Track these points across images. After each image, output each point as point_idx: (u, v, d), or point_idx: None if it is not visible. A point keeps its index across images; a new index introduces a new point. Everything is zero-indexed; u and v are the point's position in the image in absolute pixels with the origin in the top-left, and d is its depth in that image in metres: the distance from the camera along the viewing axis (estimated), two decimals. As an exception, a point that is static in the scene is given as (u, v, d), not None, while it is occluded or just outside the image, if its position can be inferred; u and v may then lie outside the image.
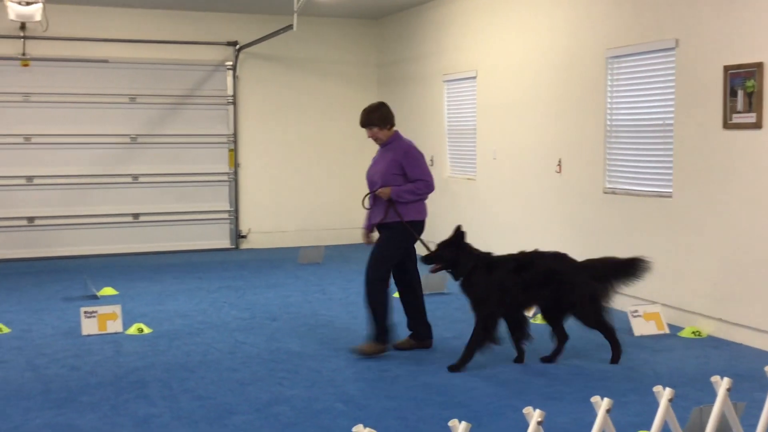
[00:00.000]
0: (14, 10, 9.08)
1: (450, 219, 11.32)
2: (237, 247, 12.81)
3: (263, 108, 12.85)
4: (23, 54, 11.37)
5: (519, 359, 6.24)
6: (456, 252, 6.22)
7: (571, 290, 6.07)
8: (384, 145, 6.63)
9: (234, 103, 12.64)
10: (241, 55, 12.54)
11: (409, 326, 6.71)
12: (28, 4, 8.96)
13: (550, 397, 5.38)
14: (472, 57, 10.63)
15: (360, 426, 3.03)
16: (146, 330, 7.27)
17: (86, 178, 11.89)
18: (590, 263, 6.28)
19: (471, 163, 10.85)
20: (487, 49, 10.32)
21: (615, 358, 6.15)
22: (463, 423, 2.95)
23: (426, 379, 5.82)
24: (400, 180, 6.45)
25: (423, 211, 6.62)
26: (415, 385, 5.69)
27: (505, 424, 4.87)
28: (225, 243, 12.77)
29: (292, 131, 13.04)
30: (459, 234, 6.30)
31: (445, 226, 11.39)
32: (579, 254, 8.51)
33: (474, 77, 10.59)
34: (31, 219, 11.68)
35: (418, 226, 6.58)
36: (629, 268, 6.15)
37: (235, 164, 12.73)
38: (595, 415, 3.41)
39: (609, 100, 8.23)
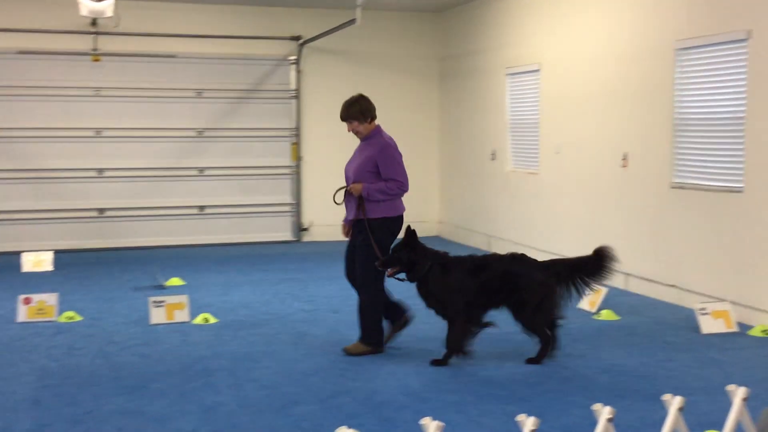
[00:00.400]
0: (87, 7, 9.32)
1: (511, 214, 11.30)
2: (299, 240, 12.95)
3: (326, 102, 12.92)
4: (94, 49, 11.69)
5: (439, 362, 6.09)
6: (411, 253, 6.03)
7: (524, 291, 5.95)
8: (364, 139, 6.43)
9: (297, 97, 12.77)
10: (304, 50, 12.66)
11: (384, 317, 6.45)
12: (100, 0, 9.18)
13: (616, 395, 5.31)
14: (536, 50, 10.52)
15: (428, 419, 3.04)
16: (212, 320, 7.42)
17: (154, 170, 12.18)
18: (551, 263, 6.15)
19: (533, 157, 10.75)
20: (551, 41, 10.20)
21: (536, 360, 6.00)
22: (532, 418, 2.94)
23: (487, 373, 5.81)
24: (373, 177, 6.22)
25: (397, 207, 6.34)
26: (476, 379, 5.68)
27: (569, 421, 4.83)
28: (287, 235, 12.93)
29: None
30: (410, 234, 6.10)
31: (507, 221, 11.38)
32: (645, 250, 8.44)
33: (537, 70, 10.49)
34: (101, 210, 12.01)
35: (392, 222, 6.29)
36: (593, 265, 6.03)
37: (298, 158, 12.86)
38: (662, 414, 3.36)
39: (677, 93, 8.05)
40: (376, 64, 13.11)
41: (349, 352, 6.28)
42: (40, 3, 11.45)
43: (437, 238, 13.12)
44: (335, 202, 6.47)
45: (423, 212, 13.47)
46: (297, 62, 12.68)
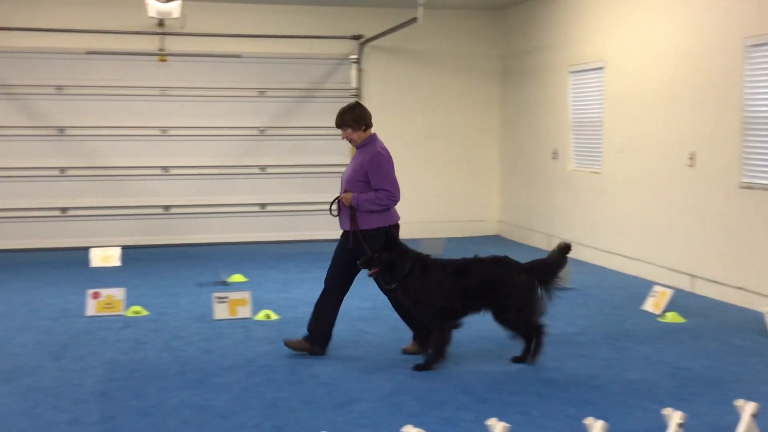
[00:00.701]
0: (154, 8, 9.53)
1: (572, 214, 11.16)
2: (359, 238, 12.98)
3: (386, 100, 12.97)
4: (161, 50, 11.94)
5: (422, 366, 5.97)
6: (392, 254, 5.91)
7: (507, 295, 5.87)
8: (358, 147, 6.28)
9: (358, 96, 12.82)
10: (365, 49, 12.71)
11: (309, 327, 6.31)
12: (167, 1, 9.37)
13: (682, 399, 5.20)
14: (600, 47, 10.36)
15: (494, 419, 3.02)
16: (273, 316, 7.51)
17: (217, 168, 12.38)
18: (533, 266, 6.04)
19: (596, 156, 10.59)
20: (615, 38, 10.04)
21: (518, 360, 6.00)
22: (600, 421, 2.89)
23: (549, 375, 5.75)
24: (363, 187, 6.09)
25: (391, 217, 6.19)
26: (538, 380, 5.63)
27: (634, 425, 4.75)
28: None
29: (414, 123, 13.12)
30: (390, 236, 5.98)
31: (568, 220, 11.24)
32: (712, 251, 8.24)
33: (602, 68, 10.32)
34: (166, 207, 12.26)
35: (383, 233, 6.08)
36: (561, 261, 6.00)
37: (358, 156, 12.90)
38: (731, 419, 3.28)
39: (747, 91, 7.84)
40: (437, 63, 13.09)
41: (289, 346, 6.22)
42: (109, 5, 11.75)
43: (497, 238, 13.03)
44: (332, 214, 6.38)
45: (482, 212, 13.40)
46: (358, 61, 12.74)
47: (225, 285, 9.00)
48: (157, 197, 12.22)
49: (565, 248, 6.00)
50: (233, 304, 7.48)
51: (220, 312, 7.44)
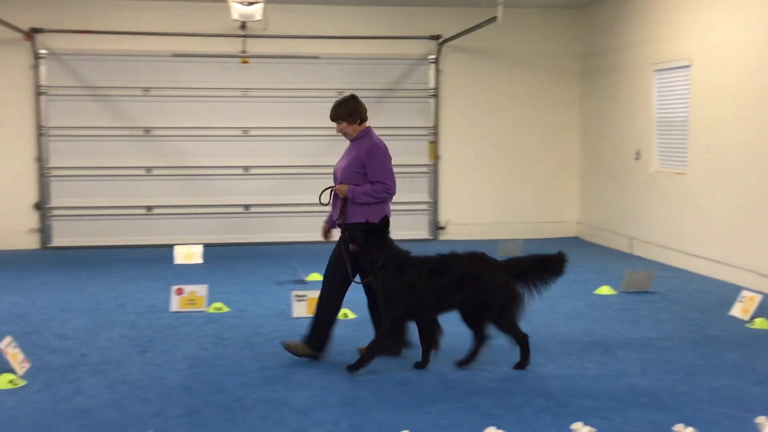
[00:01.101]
0: (237, 10, 9.71)
1: (656, 215, 10.88)
2: (435, 238, 12.99)
3: (464, 100, 12.92)
4: (243, 52, 12.16)
5: (422, 365, 5.93)
6: (371, 242, 5.80)
7: (486, 293, 5.72)
8: (353, 140, 6.20)
9: (436, 96, 12.81)
10: (443, 49, 12.68)
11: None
12: (250, 4, 9.55)
13: (771, 408, 5.01)
14: (686, 44, 10.07)
15: (579, 423, 2.97)
16: (351, 315, 7.56)
17: (296, 168, 12.54)
18: (511, 263, 5.88)
19: (682, 156, 10.30)
20: (703, 35, 9.74)
21: (522, 364, 5.87)
22: (690, 428, 2.81)
23: (631, 380, 5.62)
24: (360, 179, 6.01)
25: (382, 212, 6.03)
26: (619, 385, 5.51)
27: (719, 433, 4.61)
28: (424, 234, 13.00)
29: (492, 123, 13.02)
30: (380, 225, 5.85)
31: (651, 222, 10.97)
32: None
33: (688, 66, 10.03)
34: (246, 206, 12.49)
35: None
36: (549, 265, 5.81)
37: (435, 156, 12.90)
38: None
39: (844, 89, 7.50)
40: (516, 63, 12.96)
41: (290, 349, 6.13)
42: (194, 8, 12.04)
43: (575, 240, 12.82)
44: (321, 203, 6.27)
45: (561, 213, 13.20)
46: (436, 61, 12.72)
47: (303, 283, 9.11)
48: (237, 196, 12.46)
49: (560, 257, 5.87)
50: (311, 302, 7.54)
51: (299, 310, 7.53)
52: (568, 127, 13.16)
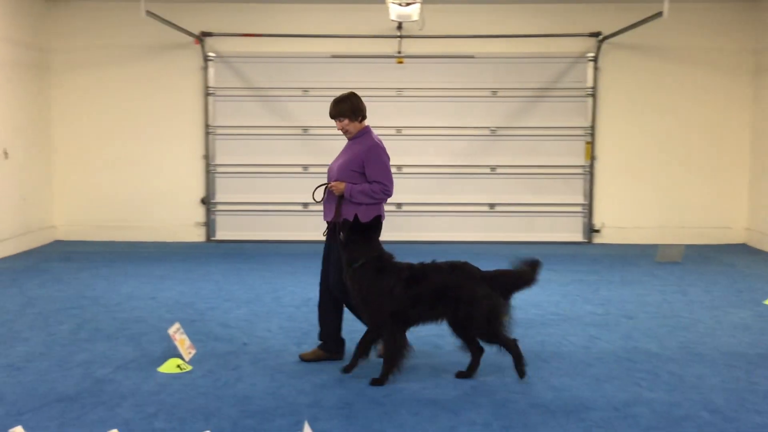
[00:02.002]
0: (395, 11, 9.83)
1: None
2: (589, 242, 12.63)
3: (624, 100, 12.49)
4: (399, 52, 12.31)
5: (348, 369, 5.69)
6: (355, 239, 5.56)
7: (469, 304, 5.33)
8: (352, 138, 6.05)
9: (593, 95, 12.45)
10: (603, 46, 12.30)
11: (320, 336, 6.13)
12: (407, 4, 9.65)
13: None
14: None
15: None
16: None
17: (448, 168, 12.56)
18: (493, 274, 5.48)
19: None
20: None
21: (520, 373, 5.57)
22: None
23: (806, 398, 5.23)
24: (357, 177, 5.87)
25: (376, 213, 5.92)
26: (793, 403, 5.14)
27: None
28: (577, 236, 12.67)
29: (653, 123, 12.51)
30: (368, 224, 5.67)
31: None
32: None
33: None
34: (398, 205, 12.64)
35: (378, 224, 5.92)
36: (525, 276, 5.48)
37: (592, 157, 12.54)
38: None
39: None
40: (681, 60, 12.38)
41: (305, 359, 6.01)
42: (352, 11, 12.31)
43: (743, 246, 12.07)
44: (314, 200, 6.14)
45: (727, 218, 12.49)
46: (595, 59, 12.36)
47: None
48: (393, 194, 12.57)
49: (534, 264, 5.58)
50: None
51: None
52: (738, 128, 12.43)
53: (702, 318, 7.51)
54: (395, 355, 5.49)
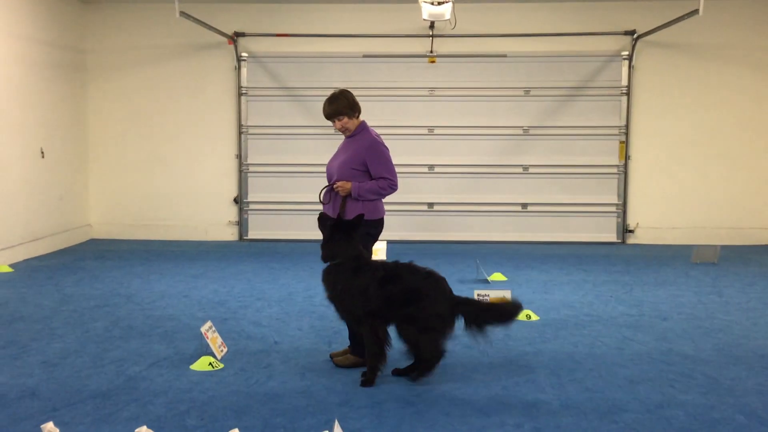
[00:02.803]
0: (427, 10, 9.80)
1: None
2: (623, 242, 12.50)
3: (659, 98, 12.34)
4: (430, 51, 12.29)
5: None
6: (337, 237, 5.51)
7: (423, 310, 5.30)
8: (350, 136, 5.96)
9: (628, 94, 12.32)
10: (638, 44, 12.16)
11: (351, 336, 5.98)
12: (439, 4, 9.62)
13: None
14: None
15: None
16: (534, 317, 7.42)
17: (480, 167, 12.50)
18: (464, 300, 5.56)
19: None
20: None
21: (404, 372, 5.58)
22: None
23: None
24: (359, 175, 5.81)
25: (378, 210, 5.92)
26: (833, 408, 5.03)
27: None
28: (611, 236, 12.54)
29: (689, 122, 12.34)
30: (351, 222, 5.57)
31: None
32: None
33: None
34: (430, 205, 12.61)
35: (372, 225, 5.87)
36: (506, 314, 5.41)
37: (626, 157, 12.41)
38: None
39: None
40: (718, 58, 12.19)
41: (339, 364, 5.89)
42: (384, 10, 12.31)
43: (781, 248, 11.89)
44: (321, 202, 6.06)
45: (764, 218, 12.27)
46: (630, 58, 12.22)
47: (486, 283, 9.06)
48: (422, 194, 12.59)
49: (517, 306, 5.55)
50: (494, 302, 7.49)
51: (481, 309, 7.49)
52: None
53: (738, 319, 7.39)
54: (376, 351, 5.43)
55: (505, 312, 5.56)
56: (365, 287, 5.43)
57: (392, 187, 5.87)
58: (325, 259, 5.62)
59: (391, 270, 5.51)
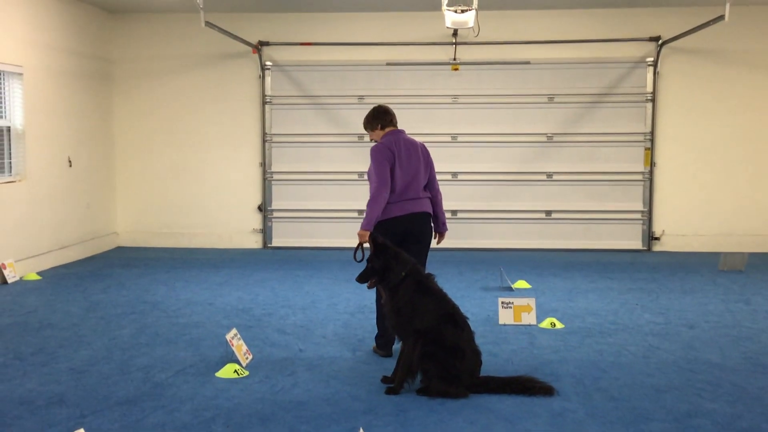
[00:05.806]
0: (451, 18, 9.82)
1: None
2: (649, 249, 12.41)
3: (684, 105, 12.25)
4: (454, 59, 12.30)
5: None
6: (385, 260, 5.56)
7: (452, 367, 5.36)
8: None
9: (653, 101, 12.25)
10: (663, 50, 12.09)
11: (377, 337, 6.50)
12: (463, 11, 9.64)
13: None
14: None
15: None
16: (558, 325, 7.39)
17: (504, 175, 12.48)
18: (483, 380, 5.53)
19: None
20: None
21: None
22: None
23: None
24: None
25: (392, 211, 6.23)
26: None
27: None
28: (636, 244, 12.45)
29: (715, 129, 12.24)
30: (378, 244, 5.60)
31: None
32: None
33: None
34: (454, 212, 12.60)
35: (384, 225, 6.19)
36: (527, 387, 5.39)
37: (651, 163, 12.33)
38: None
39: None
40: (743, 64, 12.09)
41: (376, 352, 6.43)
42: (407, 18, 12.34)
43: (810, 255, 11.74)
44: (356, 260, 6.41)
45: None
46: (655, 64, 12.15)
47: (510, 290, 9.04)
48: (446, 202, 12.41)
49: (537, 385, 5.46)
50: (518, 309, 7.49)
51: (505, 317, 7.48)
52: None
53: (766, 328, 7.31)
54: (412, 364, 5.43)
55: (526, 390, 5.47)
56: (427, 305, 5.49)
57: (374, 192, 6.12)
58: (391, 283, 5.57)
59: (451, 309, 5.54)
